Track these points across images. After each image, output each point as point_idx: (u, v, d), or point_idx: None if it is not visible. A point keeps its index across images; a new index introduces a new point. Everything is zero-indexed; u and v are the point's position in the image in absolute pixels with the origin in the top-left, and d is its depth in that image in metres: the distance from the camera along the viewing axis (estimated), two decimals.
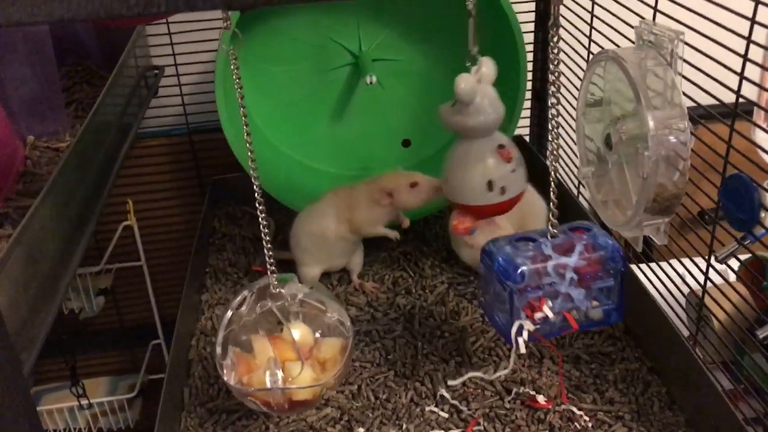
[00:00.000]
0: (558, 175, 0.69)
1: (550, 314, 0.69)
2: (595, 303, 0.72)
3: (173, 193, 1.35)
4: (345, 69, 1.13)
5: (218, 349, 0.72)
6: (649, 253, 0.88)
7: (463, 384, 0.83)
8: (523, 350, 0.69)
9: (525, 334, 0.69)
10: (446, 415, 0.79)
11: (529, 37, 1.18)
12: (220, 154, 1.30)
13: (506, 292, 0.69)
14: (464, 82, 0.77)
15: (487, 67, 0.80)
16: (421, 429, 0.78)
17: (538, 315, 0.69)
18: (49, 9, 0.37)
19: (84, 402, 1.17)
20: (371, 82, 1.01)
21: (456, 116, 0.80)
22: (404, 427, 0.78)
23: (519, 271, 0.68)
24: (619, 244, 0.71)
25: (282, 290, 0.75)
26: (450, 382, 0.83)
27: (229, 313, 0.74)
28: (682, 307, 0.90)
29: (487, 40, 1.09)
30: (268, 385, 0.69)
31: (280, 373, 0.69)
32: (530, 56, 1.22)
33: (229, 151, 1.05)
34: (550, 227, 0.71)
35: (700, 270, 0.81)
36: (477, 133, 0.81)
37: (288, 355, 0.73)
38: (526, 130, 1.30)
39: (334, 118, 1.17)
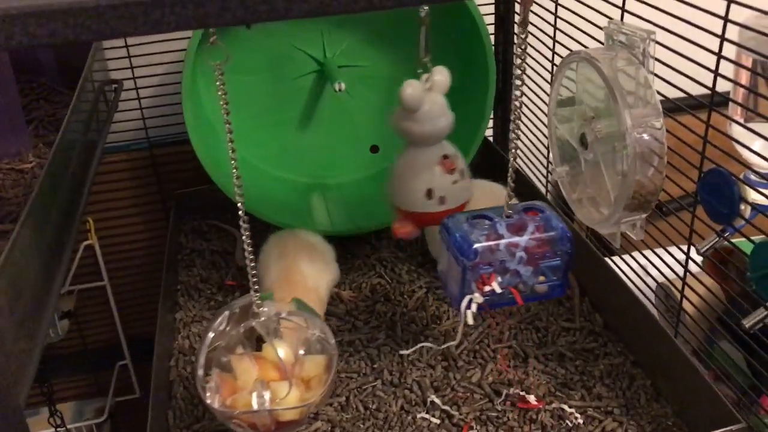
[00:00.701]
0: (526, 174, 0.70)
1: (498, 289, 0.73)
2: (541, 278, 0.76)
3: (134, 210, 1.31)
4: (310, 77, 1.12)
5: (200, 372, 0.70)
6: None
7: (451, 388, 0.83)
8: (471, 321, 0.73)
9: (474, 306, 0.73)
10: (438, 421, 0.79)
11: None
12: (181, 168, 1.27)
13: (460, 267, 0.72)
14: (411, 87, 0.77)
15: (441, 75, 0.80)
16: None
17: (486, 288, 0.73)
18: (52, 29, 0.35)
19: (61, 430, 1.13)
20: (340, 89, 0.99)
21: (404, 122, 0.80)
22: None
23: (473, 248, 0.72)
24: (567, 227, 0.75)
25: (265, 308, 0.73)
26: (402, 352, 0.88)
27: (211, 334, 0.72)
28: (659, 298, 0.92)
29: (455, 45, 1.10)
30: (255, 406, 0.67)
31: (267, 395, 0.67)
32: None
33: (191, 164, 1.02)
34: (505, 208, 0.74)
35: (676, 260, 0.83)
36: (423, 140, 0.81)
37: (271, 374, 0.71)
38: (491, 132, 1.31)
39: (300, 126, 1.15)
